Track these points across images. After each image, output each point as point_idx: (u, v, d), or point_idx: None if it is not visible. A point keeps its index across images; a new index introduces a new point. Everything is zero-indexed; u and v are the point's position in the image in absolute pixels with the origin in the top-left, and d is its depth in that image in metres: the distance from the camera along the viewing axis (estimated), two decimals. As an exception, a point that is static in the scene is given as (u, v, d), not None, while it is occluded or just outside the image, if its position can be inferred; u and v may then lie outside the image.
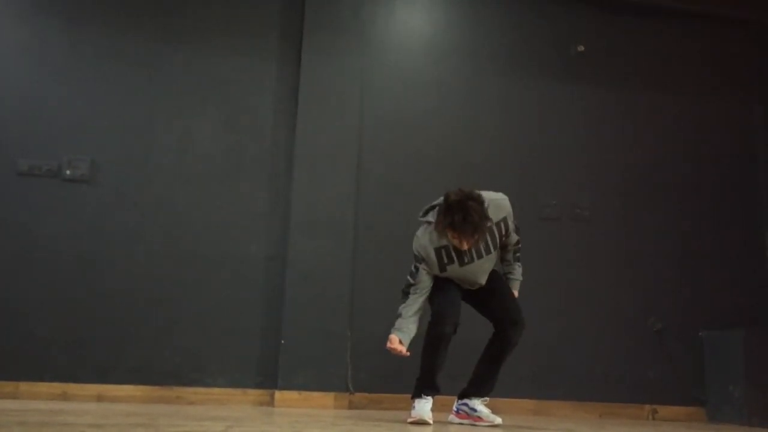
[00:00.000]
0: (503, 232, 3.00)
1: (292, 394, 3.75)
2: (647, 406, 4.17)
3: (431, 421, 2.89)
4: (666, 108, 4.60)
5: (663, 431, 2.80)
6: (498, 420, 2.94)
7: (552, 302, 4.22)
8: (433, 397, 3.02)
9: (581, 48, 4.49)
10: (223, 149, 4.06)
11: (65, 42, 3.95)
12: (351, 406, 3.84)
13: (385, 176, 4.20)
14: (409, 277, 3.03)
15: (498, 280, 3.13)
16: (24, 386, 3.55)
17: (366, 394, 3.89)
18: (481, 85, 4.41)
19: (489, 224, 2.86)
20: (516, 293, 3.15)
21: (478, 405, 3.04)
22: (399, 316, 3.01)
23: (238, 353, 3.84)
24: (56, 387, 3.59)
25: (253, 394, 3.80)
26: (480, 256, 2.97)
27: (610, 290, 4.30)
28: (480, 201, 2.79)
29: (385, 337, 4.03)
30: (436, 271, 2.98)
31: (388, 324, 4.02)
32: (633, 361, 4.23)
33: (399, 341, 2.92)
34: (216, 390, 3.77)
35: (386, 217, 4.14)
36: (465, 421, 3.04)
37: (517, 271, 3.19)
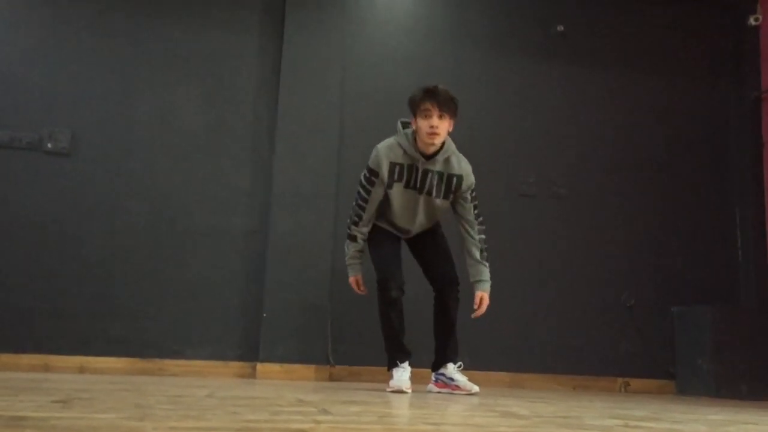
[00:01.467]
0: (457, 186, 3.09)
1: (273, 367, 3.81)
2: (619, 379, 4.29)
3: (409, 390, 2.96)
4: (643, 88, 4.68)
5: (634, 403, 2.90)
6: (475, 388, 3.03)
7: (527, 277, 4.31)
8: (408, 363, 3.09)
9: (561, 28, 4.54)
10: (205, 123, 4.06)
11: (46, 14, 3.92)
12: (331, 378, 3.91)
13: (366, 151, 4.21)
14: (356, 208, 3.14)
15: (439, 242, 3.25)
16: (4, 358, 3.57)
17: (346, 367, 3.95)
18: (462, 62, 4.45)
19: (451, 156, 3.08)
20: (486, 297, 3.15)
21: (456, 374, 3.12)
22: (349, 255, 3.20)
23: (219, 326, 3.88)
24: (38, 358, 3.61)
25: (235, 366, 3.85)
26: (428, 193, 3.08)
27: (584, 266, 4.40)
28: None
29: (366, 311, 4.10)
30: (381, 189, 3.08)
31: (369, 298, 4.10)
32: (606, 335, 4.34)
33: (359, 282, 3.22)
34: (198, 362, 3.81)
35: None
36: (443, 390, 3.12)
37: (485, 273, 3.15)
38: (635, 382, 4.30)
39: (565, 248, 4.40)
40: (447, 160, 3.08)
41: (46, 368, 3.61)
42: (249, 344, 3.89)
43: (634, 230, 4.51)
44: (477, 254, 3.15)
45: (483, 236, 3.17)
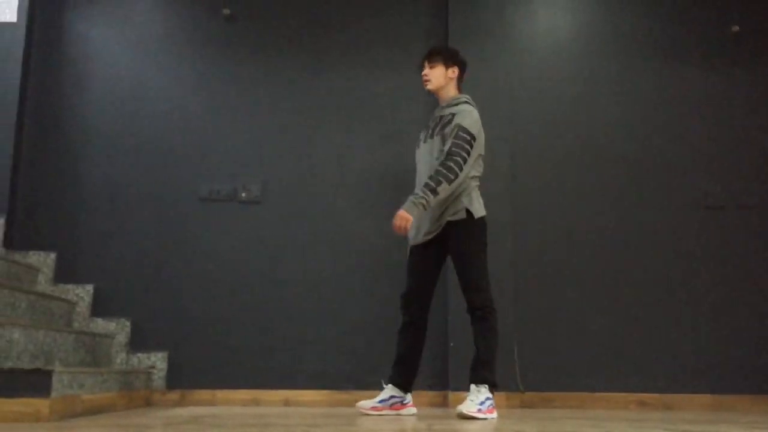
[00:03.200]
0: (448, 124, 3.18)
1: (465, 395, 3.85)
2: (837, 398, 3.95)
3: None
4: (834, 82, 4.34)
5: None
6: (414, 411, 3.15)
7: (724, 294, 4.10)
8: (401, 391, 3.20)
9: (736, 28, 4.32)
10: (380, 161, 4.24)
11: (228, 76, 4.27)
12: (522, 404, 3.90)
13: (538, 177, 4.24)
14: (455, 168, 3.05)
15: (456, 255, 3.13)
16: (220, 394, 3.87)
17: (537, 393, 3.93)
18: (630, 75, 4.36)
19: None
20: (401, 213, 3.03)
21: (470, 395, 2.99)
22: (428, 199, 3.03)
23: (409, 356, 3.99)
24: (248, 393, 3.88)
25: (427, 395, 3.94)
26: (428, 138, 3.26)
27: (785, 278, 4.12)
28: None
29: (554, 335, 4.09)
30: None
31: (554, 322, 4.08)
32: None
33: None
34: (391, 392, 3.94)
35: (541, 216, 4.18)
36: None
37: (417, 198, 3.04)
38: None
39: (759, 262, 4.14)
40: (454, 109, 3.22)
41: (256, 402, 3.88)
42: (439, 373, 3.97)
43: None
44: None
45: (441, 168, 3.05)
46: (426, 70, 3.30)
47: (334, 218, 4.16)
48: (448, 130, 3.15)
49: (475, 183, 3.21)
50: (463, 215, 3.12)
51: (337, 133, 4.25)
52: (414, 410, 3.23)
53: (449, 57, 3.29)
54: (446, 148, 3.11)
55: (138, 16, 4.31)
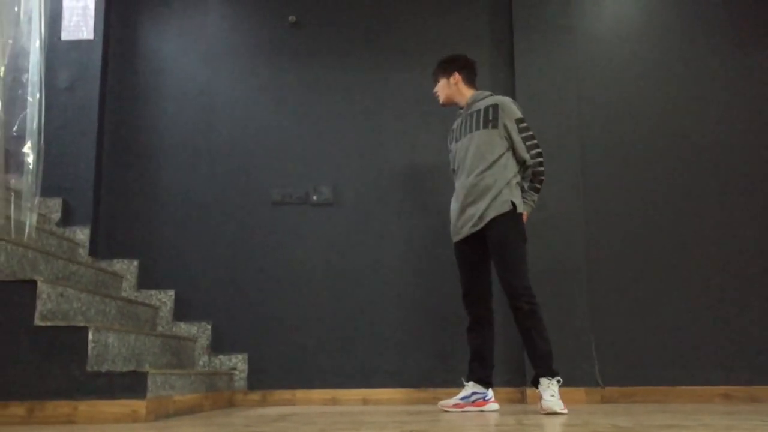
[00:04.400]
0: (493, 117, 3.26)
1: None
2: None
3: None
4: None
5: None
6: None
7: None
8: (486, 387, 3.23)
9: (813, 7, 4.17)
10: (447, 160, 4.24)
11: (296, 81, 4.35)
12: (603, 400, 3.85)
13: (609, 168, 4.18)
14: (540, 152, 3.26)
15: (499, 247, 3.16)
16: (300, 393, 3.95)
17: (617, 388, 3.87)
18: (701, 59, 4.25)
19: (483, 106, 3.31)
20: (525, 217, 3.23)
21: (545, 392, 3.00)
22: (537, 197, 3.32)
23: (485, 353, 3.98)
24: (327, 393, 3.95)
25: (504, 392, 3.93)
26: (467, 133, 3.33)
27: None
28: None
29: (630, 329, 4.03)
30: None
31: (632, 316, 4.01)
32: None
33: None
34: (468, 389, 3.94)
35: (615, 208, 4.11)
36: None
37: (529, 199, 3.24)
38: None
39: None
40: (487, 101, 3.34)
41: (335, 401, 3.93)
42: (515, 369, 3.95)
43: None
44: (528, 182, 3.30)
45: (539, 168, 3.24)
46: (434, 89, 3.53)
47: (405, 218, 4.19)
48: (504, 120, 3.23)
49: (516, 179, 3.25)
50: (508, 207, 3.16)
51: (405, 134, 4.28)
52: (496, 406, 3.23)
53: (444, 68, 3.46)
54: (520, 145, 3.21)
55: (207, 28, 4.43)
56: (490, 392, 3.25)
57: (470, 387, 3.23)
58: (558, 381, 3.03)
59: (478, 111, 3.30)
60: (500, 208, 3.16)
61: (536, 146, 3.23)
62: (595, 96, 4.25)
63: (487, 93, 3.39)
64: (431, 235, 4.15)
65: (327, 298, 4.09)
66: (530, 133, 3.24)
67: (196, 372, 3.23)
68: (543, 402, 2.94)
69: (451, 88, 3.44)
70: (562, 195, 4.06)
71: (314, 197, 4.21)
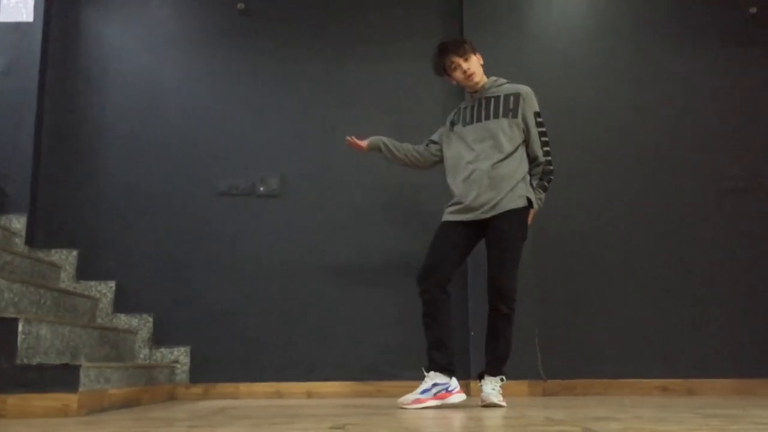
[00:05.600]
0: (516, 102, 3.13)
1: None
2: None
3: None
4: None
5: None
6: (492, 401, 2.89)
7: (745, 278, 4.07)
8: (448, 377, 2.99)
9: (754, 10, 4.27)
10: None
11: (244, 70, 4.28)
12: (545, 393, 3.90)
13: (556, 163, 4.20)
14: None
15: (503, 241, 3.03)
16: (243, 387, 3.90)
17: (559, 381, 3.92)
18: (647, 58, 4.32)
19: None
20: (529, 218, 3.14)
21: (486, 385, 2.98)
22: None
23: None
24: (271, 386, 3.90)
25: (449, 385, 3.93)
26: (482, 118, 3.14)
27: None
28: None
29: (573, 322, 4.08)
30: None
31: (575, 310, 4.07)
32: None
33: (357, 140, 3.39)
34: (413, 383, 3.89)
35: (561, 203, 4.14)
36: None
37: (536, 197, 3.11)
38: None
39: (784, 243, 4.11)
40: (508, 88, 3.19)
41: (279, 394, 3.90)
42: (461, 363, 3.96)
43: None
44: (536, 179, 3.17)
45: (549, 166, 3.16)
46: (465, 66, 3.14)
47: (353, 210, 4.16)
48: (525, 111, 3.12)
49: (528, 174, 3.15)
50: (523, 202, 3.05)
51: (354, 125, 4.24)
52: (462, 396, 3.00)
53: (472, 44, 3.21)
54: (536, 141, 3.12)
55: (152, 13, 4.32)
56: (454, 381, 2.99)
57: (431, 378, 2.97)
58: (502, 380, 3.03)
59: (497, 97, 3.14)
60: (516, 201, 3.03)
61: (548, 144, 3.14)
62: (542, 94, 4.26)
63: (504, 80, 3.23)
64: (379, 227, 4.14)
65: (272, 291, 4.04)
66: (544, 129, 3.14)
67: (134, 365, 3.16)
68: (483, 394, 2.95)
69: (481, 70, 3.19)
70: (508, 190, 4.08)
71: (261, 188, 4.15)
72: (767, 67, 4.31)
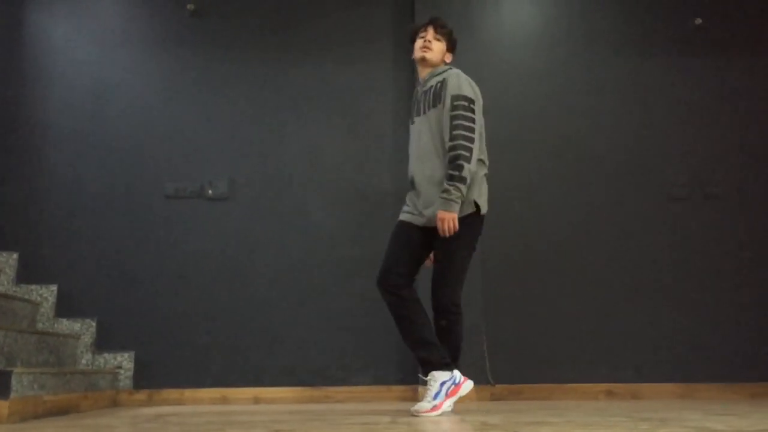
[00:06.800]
0: (441, 89, 2.82)
1: (434, 389, 3.85)
2: (800, 385, 4.02)
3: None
4: (795, 74, 4.41)
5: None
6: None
7: (689, 283, 4.15)
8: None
9: (699, 21, 4.37)
10: (348, 155, 4.22)
11: (193, 71, 4.23)
12: (492, 398, 3.92)
13: (505, 169, 4.24)
14: (467, 144, 2.71)
15: (452, 248, 2.77)
16: (188, 392, 3.83)
17: (507, 386, 3.94)
18: (597, 68, 4.38)
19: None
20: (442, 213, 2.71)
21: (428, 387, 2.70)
22: (459, 195, 2.70)
23: (379, 351, 3.98)
24: (217, 392, 3.85)
25: (397, 390, 3.94)
26: (423, 112, 2.86)
27: (751, 269, 4.17)
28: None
29: (521, 328, 4.10)
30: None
31: (523, 315, 4.09)
32: (781, 338, 4.09)
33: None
34: (361, 388, 3.93)
35: (509, 209, 4.18)
36: None
37: (444, 193, 2.70)
38: (820, 387, 4.01)
39: (726, 251, 4.20)
40: (440, 77, 2.87)
41: (225, 400, 3.84)
42: (408, 368, 3.97)
43: (801, 225, 4.23)
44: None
45: (454, 152, 2.71)
46: (430, 37, 2.91)
47: (304, 213, 4.14)
48: (445, 97, 2.78)
49: (482, 171, 2.86)
50: (471, 208, 2.79)
51: (305, 129, 4.23)
52: (471, 383, 2.78)
53: (455, 44, 3.00)
54: (446, 123, 2.75)
55: (100, 10, 4.24)
56: (457, 372, 2.74)
57: (435, 379, 2.69)
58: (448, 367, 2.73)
59: (430, 88, 2.88)
60: (463, 210, 2.76)
61: (462, 128, 2.71)
62: (493, 98, 4.29)
63: (446, 67, 2.94)
64: (328, 231, 4.12)
65: (220, 295, 3.99)
66: (461, 113, 2.73)
67: (72, 370, 3.08)
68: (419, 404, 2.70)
69: (441, 60, 2.94)
70: (458, 195, 4.09)
71: (210, 191, 4.10)
72: (712, 77, 4.41)
